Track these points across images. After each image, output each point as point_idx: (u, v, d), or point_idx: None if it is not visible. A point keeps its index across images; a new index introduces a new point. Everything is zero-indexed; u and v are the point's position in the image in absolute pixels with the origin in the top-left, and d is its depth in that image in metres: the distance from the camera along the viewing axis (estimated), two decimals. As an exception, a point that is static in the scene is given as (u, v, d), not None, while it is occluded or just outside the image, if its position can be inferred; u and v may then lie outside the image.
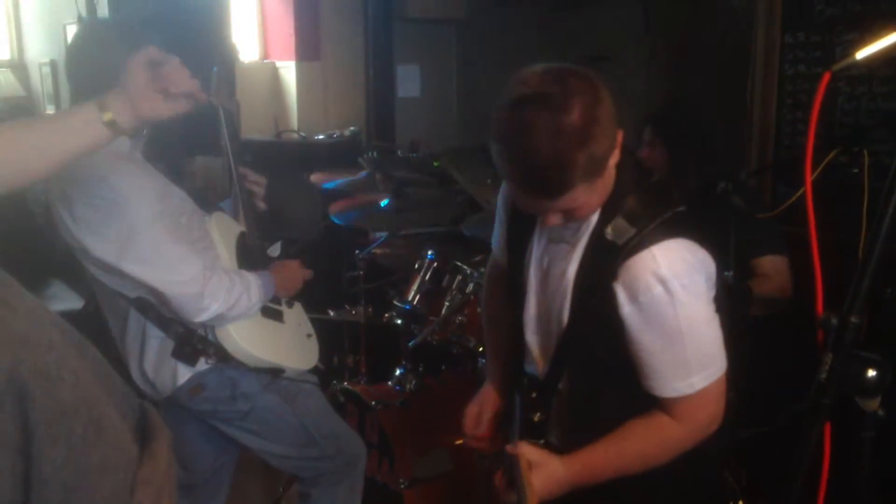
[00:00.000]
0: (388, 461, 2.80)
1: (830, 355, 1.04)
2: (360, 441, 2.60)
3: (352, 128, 5.38)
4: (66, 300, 4.36)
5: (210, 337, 2.29)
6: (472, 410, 1.95)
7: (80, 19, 4.39)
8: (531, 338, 1.78)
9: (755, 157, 3.43)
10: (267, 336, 2.40)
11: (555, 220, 1.53)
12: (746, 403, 2.65)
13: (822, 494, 1.13)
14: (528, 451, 1.61)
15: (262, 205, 2.65)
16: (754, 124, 3.42)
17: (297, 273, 2.51)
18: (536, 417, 1.74)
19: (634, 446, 1.61)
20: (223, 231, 2.40)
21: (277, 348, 2.38)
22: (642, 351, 1.56)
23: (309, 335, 2.59)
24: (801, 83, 3.23)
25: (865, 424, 1.04)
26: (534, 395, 1.76)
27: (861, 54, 1.07)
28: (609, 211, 1.56)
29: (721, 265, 1.62)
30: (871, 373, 1.04)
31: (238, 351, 2.29)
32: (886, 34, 1.12)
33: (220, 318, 2.23)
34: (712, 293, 1.57)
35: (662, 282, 1.48)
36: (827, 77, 1.10)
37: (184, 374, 2.28)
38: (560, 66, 1.45)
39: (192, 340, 2.26)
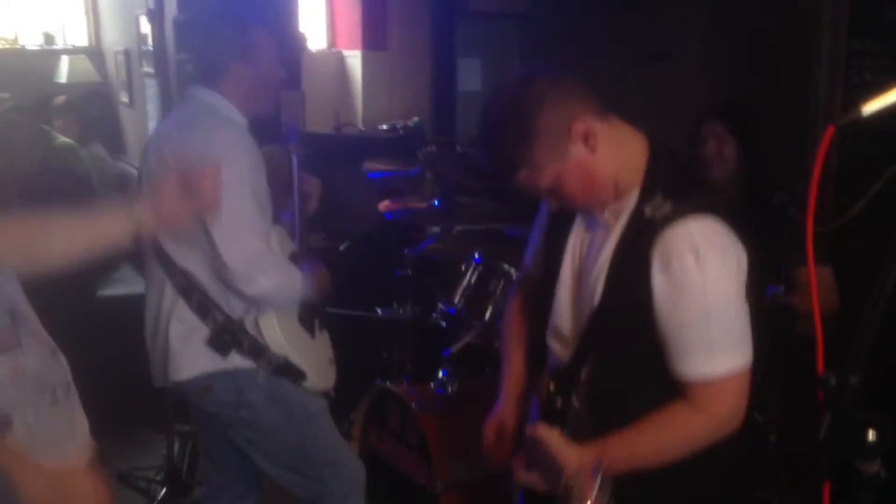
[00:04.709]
0: (427, 463, 2.82)
1: (829, 415, 1.01)
2: (359, 467, 2.62)
3: (415, 118, 5.40)
4: (132, 283, 4.52)
5: (250, 328, 2.35)
6: (490, 428, 1.94)
7: (148, 12, 4.51)
8: (560, 328, 1.79)
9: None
10: (300, 340, 2.48)
11: (552, 203, 1.71)
12: (797, 420, 2.62)
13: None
14: (547, 433, 1.63)
15: (314, 206, 2.75)
16: (817, 132, 3.31)
17: (325, 278, 2.59)
18: (558, 404, 1.75)
19: (650, 434, 1.61)
20: (281, 243, 2.52)
21: (305, 355, 2.44)
22: (670, 325, 1.57)
23: (331, 361, 2.63)
24: (867, 92, 3.11)
25: (863, 486, 1.02)
26: (555, 383, 1.77)
27: (867, 110, 1.04)
28: (648, 192, 1.61)
29: (763, 272, 1.63)
30: (872, 434, 1.01)
31: (275, 341, 2.35)
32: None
33: (263, 298, 2.30)
34: (743, 281, 1.58)
35: (696, 252, 1.52)
36: (831, 130, 1.07)
37: (195, 368, 2.33)
38: (523, 74, 1.66)
39: (231, 328, 2.32)
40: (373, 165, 3.45)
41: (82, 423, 1.52)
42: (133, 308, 2.69)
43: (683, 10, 4.06)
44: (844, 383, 1.00)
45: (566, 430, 1.71)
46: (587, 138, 1.60)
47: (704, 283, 1.53)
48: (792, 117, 3.39)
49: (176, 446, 3.49)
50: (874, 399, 1.07)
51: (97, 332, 3.95)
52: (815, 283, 2.76)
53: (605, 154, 1.62)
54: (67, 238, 1.57)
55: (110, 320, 4.22)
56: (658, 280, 1.55)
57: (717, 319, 1.55)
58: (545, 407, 1.78)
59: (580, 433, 1.70)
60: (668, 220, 1.55)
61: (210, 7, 4.14)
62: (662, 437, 1.60)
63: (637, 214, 1.62)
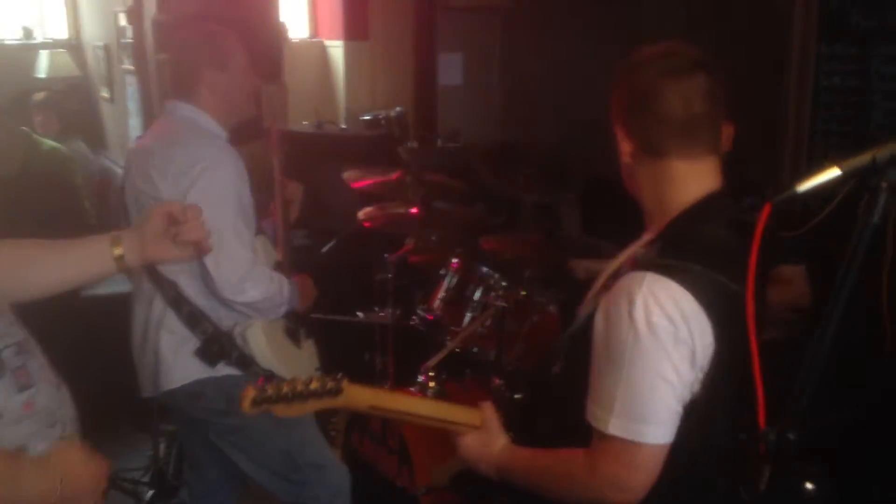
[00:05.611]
0: (408, 468, 2.88)
1: (769, 468, 1.07)
2: (345, 473, 2.67)
3: (398, 108, 5.39)
4: (116, 283, 4.52)
5: (238, 340, 2.39)
6: None
7: (127, 10, 4.51)
8: None
9: (788, 170, 3.37)
10: (285, 351, 2.53)
11: None
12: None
13: None
14: (489, 411, 1.69)
15: (296, 213, 2.80)
16: (788, 136, 3.36)
17: (311, 288, 2.65)
18: (515, 395, 1.78)
19: (547, 458, 1.60)
20: (265, 253, 2.56)
21: (290, 366, 2.49)
22: (592, 364, 1.50)
23: (317, 369, 2.69)
24: (836, 96, 3.16)
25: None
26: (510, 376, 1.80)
27: (801, 188, 1.09)
28: (658, 238, 1.56)
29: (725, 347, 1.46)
30: (809, 486, 1.06)
31: (262, 354, 2.40)
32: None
33: (253, 306, 2.35)
34: (690, 367, 1.43)
35: (631, 303, 1.41)
36: (768, 209, 1.12)
37: (187, 377, 2.38)
38: (678, 56, 1.59)
39: (219, 340, 2.38)
40: (353, 175, 3.47)
41: None
42: (116, 307, 2.71)
43: (662, 8, 4.09)
44: (783, 439, 1.06)
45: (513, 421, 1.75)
46: (627, 152, 1.60)
47: (624, 338, 1.42)
48: (762, 121, 3.43)
49: (161, 447, 3.53)
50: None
51: (80, 332, 3.97)
52: (794, 273, 2.81)
53: (639, 176, 1.60)
54: (52, 269, 1.57)
55: (94, 319, 4.23)
56: (597, 319, 1.50)
57: (626, 379, 1.43)
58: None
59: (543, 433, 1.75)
60: (635, 267, 1.49)
61: (187, 8, 4.15)
62: (552, 464, 1.59)
63: (634, 253, 1.61)
